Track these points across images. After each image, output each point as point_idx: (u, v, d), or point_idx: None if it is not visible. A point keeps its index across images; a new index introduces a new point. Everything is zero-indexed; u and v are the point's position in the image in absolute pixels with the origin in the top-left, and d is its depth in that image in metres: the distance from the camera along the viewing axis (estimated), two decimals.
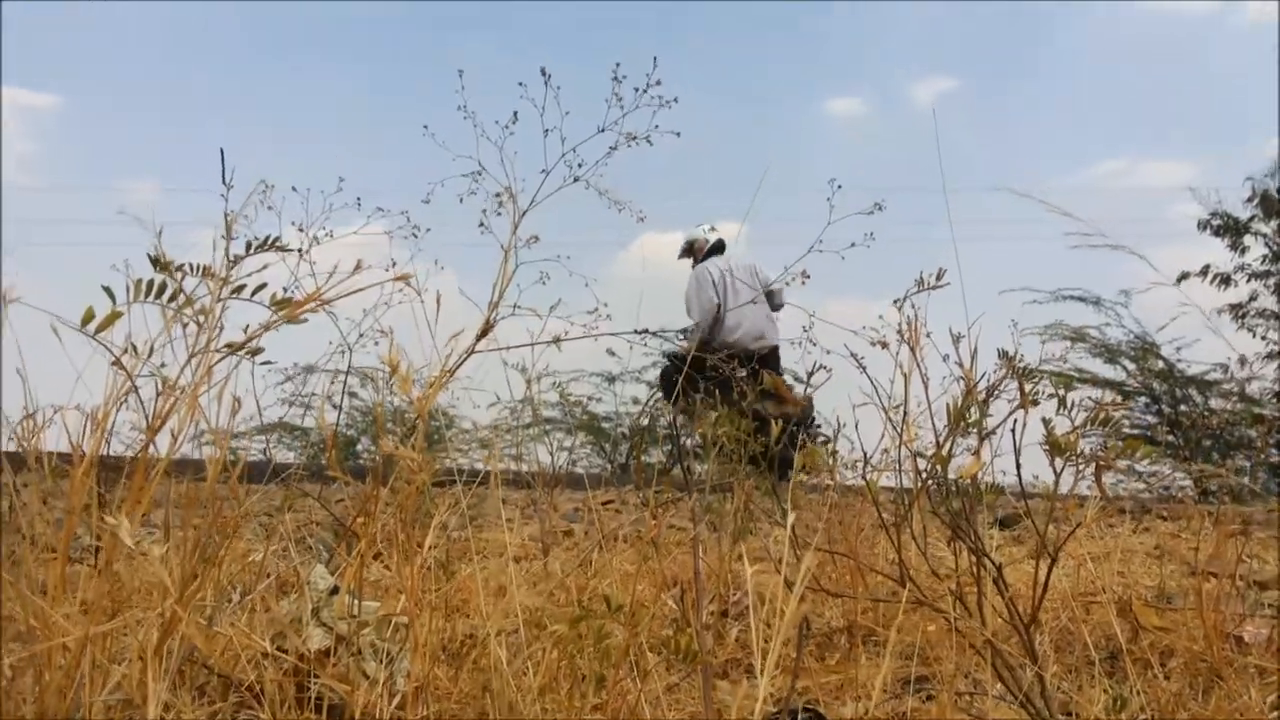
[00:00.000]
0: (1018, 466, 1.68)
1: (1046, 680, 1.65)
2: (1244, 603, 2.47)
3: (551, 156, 1.90)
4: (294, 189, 1.73)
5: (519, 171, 1.91)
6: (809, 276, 1.90)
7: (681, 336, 7.08)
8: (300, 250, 1.69)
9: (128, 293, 1.45)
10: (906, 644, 2.17)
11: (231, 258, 1.56)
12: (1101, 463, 1.64)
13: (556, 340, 2.00)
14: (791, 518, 1.42)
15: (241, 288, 1.56)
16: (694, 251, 7.54)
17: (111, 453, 1.54)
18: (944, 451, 1.75)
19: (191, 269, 1.54)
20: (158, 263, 1.47)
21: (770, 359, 6.94)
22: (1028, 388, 1.69)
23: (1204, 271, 11.52)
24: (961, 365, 1.76)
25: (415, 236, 1.92)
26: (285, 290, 1.66)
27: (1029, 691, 1.61)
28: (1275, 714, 1.79)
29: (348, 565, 1.69)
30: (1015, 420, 1.67)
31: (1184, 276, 11.12)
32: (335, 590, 1.66)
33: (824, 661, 2.22)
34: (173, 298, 1.49)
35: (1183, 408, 9.75)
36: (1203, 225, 11.59)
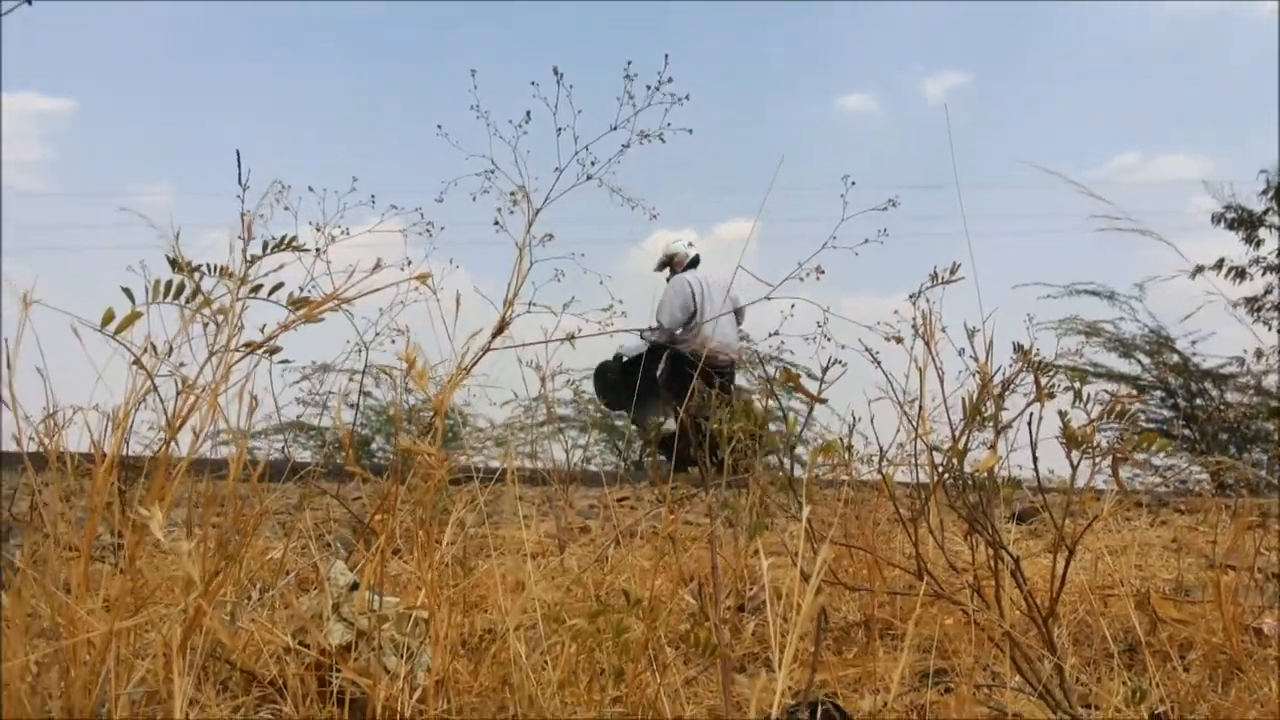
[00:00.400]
0: (1034, 460, 1.68)
1: (1066, 672, 1.65)
2: (1263, 595, 2.46)
3: (564, 155, 1.91)
4: (310, 189, 1.74)
5: (532, 170, 1.92)
6: (823, 272, 1.90)
7: (643, 335, 7.52)
8: (316, 249, 1.70)
9: (146, 294, 1.47)
10: (924, 637, 2.17)
11: (249, 257, 1.57)
12: (1118, 455, 1.64)
13: (570, 338, 2.01)
14: (807, 510, 1.42)
15: (259, 287, 1.58)
16: (673, 265, 7.98)
17: (130, 452, 1.56)
18: (960, 445, 1.75)
19: (209, 269, 1.55)
20: (176, 263, 1.48)
21: (730, 369, 7.77)
22: (1043, 381, 1.69)
23: (1219, 265, 11.43)
24: (976, 359, 1.76)
25: (429, 234, 1.92)
26: (301, 290, 1.67)
27: (1048, 683, 1.60)
28: None
29: (367, 561, 1.70)
30: (1031, 414, 1.67)
31: (1199, 270, 11.03)
32: (355, 586, 1.68)
33: (841, 655, 2.22)
34: (191, 298, 1.50)
35: (1198, 401, 9.69)
36: (1217, 219, 11.50)
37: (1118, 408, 1.61)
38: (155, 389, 1.47)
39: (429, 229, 1.93)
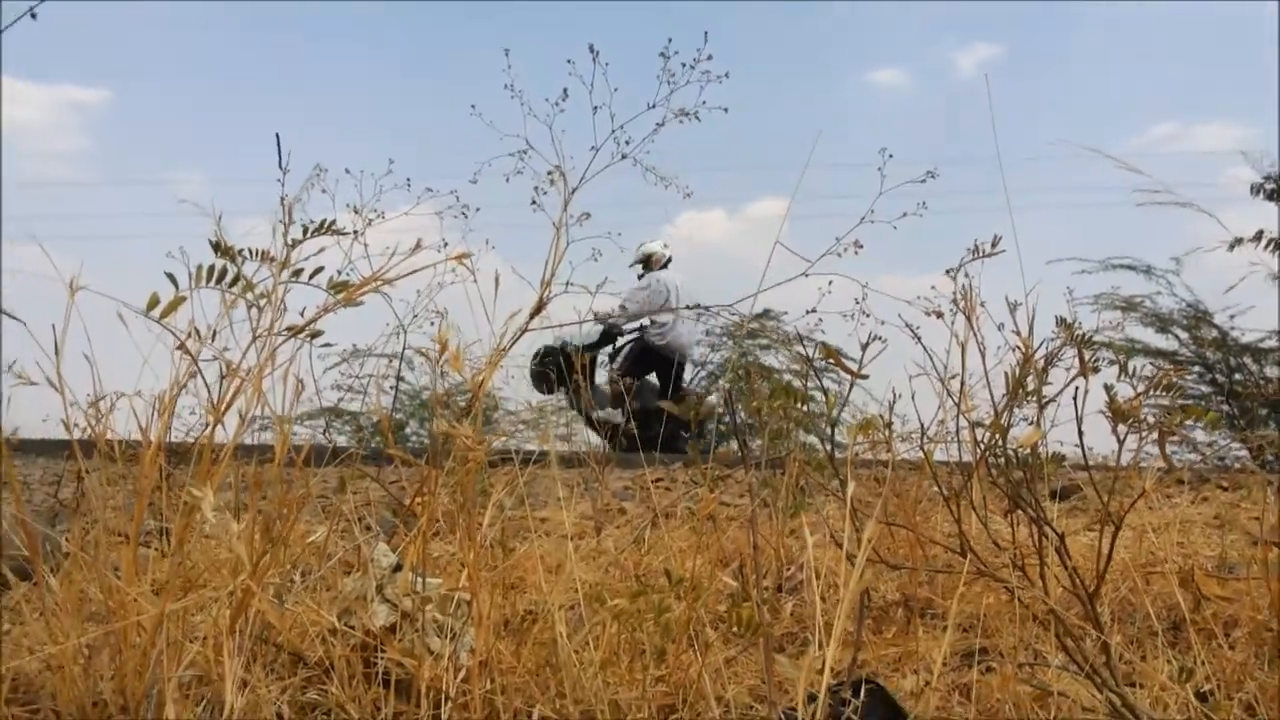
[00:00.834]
0: (1080, 434, 1.65)
1: (1112, 649, 1.63)
2: None
3: (600, 133, 1.89)
4: (347, 171, 1.74)
5: (567, 149, 1.91)
6: (861, 246, 1.87)
7: (605, 322, 7.96)
8: (355, 233, 1.70)
9: (190, 279, 1.48)
10: (966, 615, 2.15)
11: (290, 241, 1.58)
12: (1165, 429, 1.61)
13: (607, 318, 2.00)
14: (851, 487, 1.41)
15: (300, 271, 1.58)
16: (650, 264, 8.67)
17: (173, 438, 1.57)
18: (1002, 421, 1.73)
19: (251, 254, 1.56)
20: (219, 248, 1.49)
21: (683, 363, 8.83)
22: (1087, 355, 1.66)
23: (1258, 237, 11.22)
24: (1019, 333, 1.74)
25: (465, 216, 1.92)
26: (340, 273, 1.68)
27: (1094, 661, 1.59)
28: None
29: (409, 543, 1.71)
30: (1077, 388, 1.64)
31: (1237, 242, 10.83)
32: (398, 567, 1.69)
33: (880, 634, 2.21)
34: (234, 282, 1.51)
35: (1237, 376, 9.54)
36: (1255, 190, 11.28)
37: (1165, 380, 1.58)
38: (200, 373, 1.49)
39: (464, 211, 1.93)
